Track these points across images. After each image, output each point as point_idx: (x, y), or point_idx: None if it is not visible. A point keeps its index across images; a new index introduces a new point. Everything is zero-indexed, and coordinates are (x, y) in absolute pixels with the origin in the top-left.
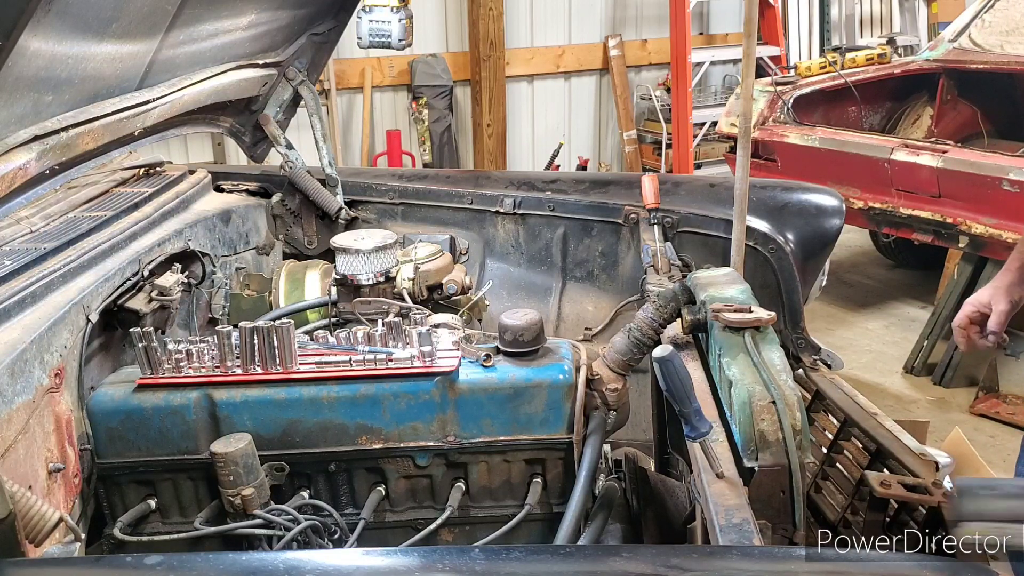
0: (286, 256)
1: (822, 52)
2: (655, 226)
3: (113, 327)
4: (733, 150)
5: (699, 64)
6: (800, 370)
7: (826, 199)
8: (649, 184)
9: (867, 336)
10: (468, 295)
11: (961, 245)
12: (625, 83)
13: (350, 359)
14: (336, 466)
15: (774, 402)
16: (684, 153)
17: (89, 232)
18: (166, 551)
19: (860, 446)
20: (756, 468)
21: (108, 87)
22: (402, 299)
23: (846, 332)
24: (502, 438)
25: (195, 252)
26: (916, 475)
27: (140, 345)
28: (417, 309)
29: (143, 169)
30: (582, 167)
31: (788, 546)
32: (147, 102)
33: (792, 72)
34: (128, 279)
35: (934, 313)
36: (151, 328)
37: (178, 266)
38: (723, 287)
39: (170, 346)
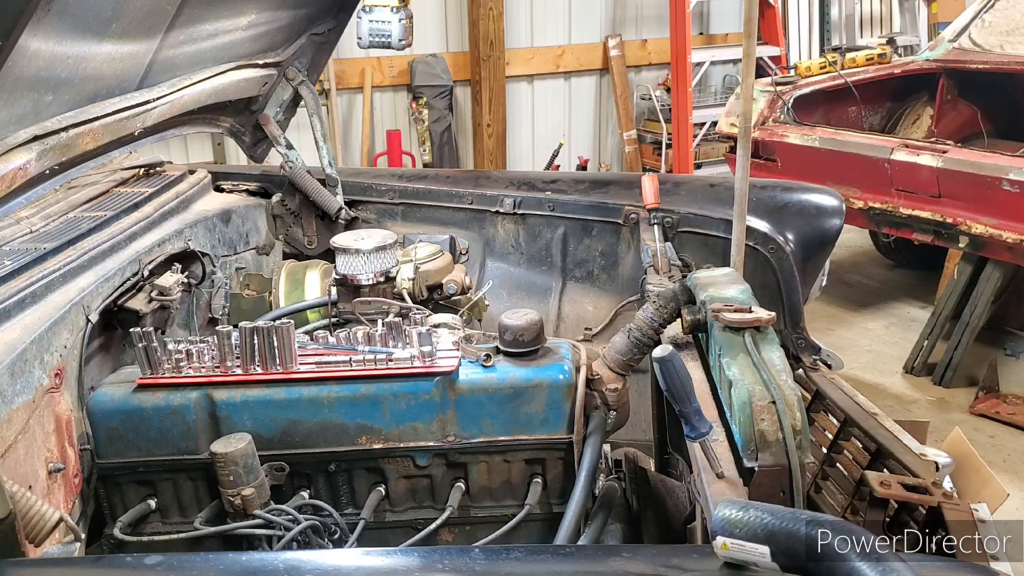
0: (286, 256)
1: (822, 52)
2: (655, 226)
3: (113, 327)
4: (733, 150)
5: (699, 64)
6: (800, 370)
7: (826, 199)
8: (649, 184)
9: (867, 336)
10: (468, 295)
11: (961, 245)
12: (625, 83)
13: (350, 359)
14: (336, 466)
15: (774, 402)
16: (684, 153)
17: (89, 232)
18: (166, 551)
19: (860, 446)
20: (756, 468)
21: (108, 87)
22: (402, 299)
23: (846, 332)
24: (502, 438)
25: (195, 252)
26: (916, 475)
27: (140, 345)
28: (417, 309)
29: (143, 169)
30: (582, 167)
31: None
32: (147, 102)
33: (792, 72)
34: (128, 279)
35: (934, 313)
36: (151, 328)
37: (178, 266)
38: (723, 287)
39: (170, 346)
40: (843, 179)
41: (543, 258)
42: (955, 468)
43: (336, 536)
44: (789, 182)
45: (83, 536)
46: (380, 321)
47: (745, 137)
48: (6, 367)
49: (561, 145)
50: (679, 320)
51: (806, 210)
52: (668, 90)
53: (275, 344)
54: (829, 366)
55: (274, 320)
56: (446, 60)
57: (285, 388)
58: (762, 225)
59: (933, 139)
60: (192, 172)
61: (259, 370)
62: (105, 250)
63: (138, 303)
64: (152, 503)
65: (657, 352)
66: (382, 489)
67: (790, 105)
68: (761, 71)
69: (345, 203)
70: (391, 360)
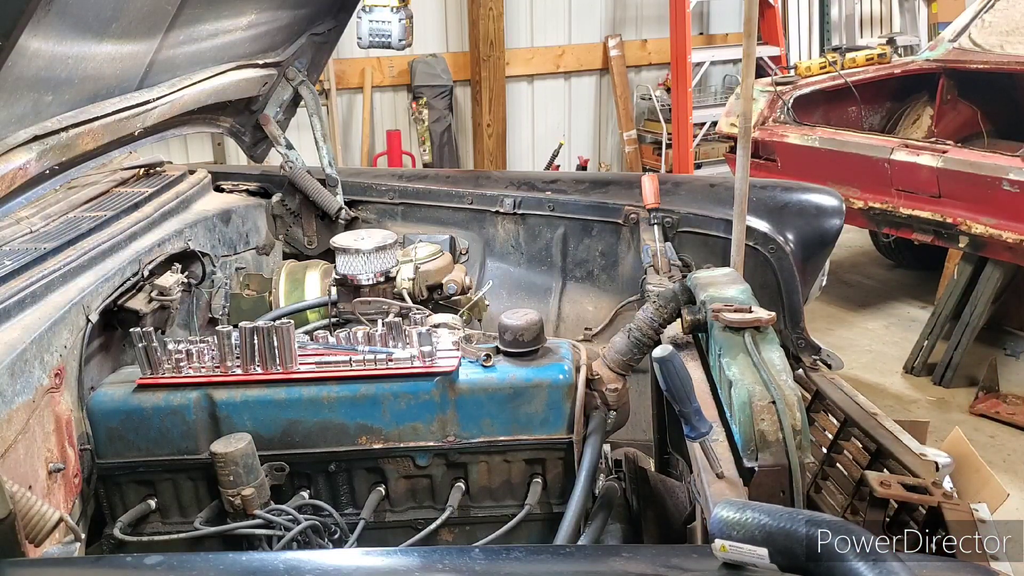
0: (286, 256)
1: (822, 52)
2: (655, 226)
3: (113, 327)
4: (733, 150)
5: (699, 64)
6: (800, 370)
7: (826, 199)
8: (649, 184)
9: (867, 336)
10: (468, 295)
11: (961, 245)
12: (625, 83)
13: (350, 359)
14: (336, 466)
15: (774, 402)
16: (684, 153)
17: (89, 232)
18: (166, 551)
19: (860, 446)
20: (756, 468)
21: (108, 87)
22: (402, 299)
23: (846, 332)
24: (502, 438)
25: (195, 252)
26: (916, 475)
27: (140, 345)
28: (417, 309)
29: (143, 169)
30: (582, 167)
31: None
32: (147, 102)
33: (792, 72)
34: (128, 279)
35: (934, 313)
36: (151, 328)
37: (178, 266)
38: (723, 287)
39: (170, 346)
40: (843, 179)
41: (543, 258)
42: (955, 468)
43: (336, 536)
44: (789, 182)
45: (83, 536)
46: (380, 321)
47: (745, 137)
48: (6, 367)
49: (561, 145)
50: (679, 320)
51: (806, 210)
52: (668, 90)
53: (275, 344)
54: (829, 366)
55: (274, 320)
56: (446, 60)
57: (285, 388)
58: (762, 225)
59: (933, 139)
60: (192, 172)
61: (259, 370)
62: (105, 250)
63: (138, 303)
64: (152, 503)
65: (657, 352)
66: (382, 489)
67: (790, 105)
68: (761, 71)
69: (345, 203)
70: (391, 360)
